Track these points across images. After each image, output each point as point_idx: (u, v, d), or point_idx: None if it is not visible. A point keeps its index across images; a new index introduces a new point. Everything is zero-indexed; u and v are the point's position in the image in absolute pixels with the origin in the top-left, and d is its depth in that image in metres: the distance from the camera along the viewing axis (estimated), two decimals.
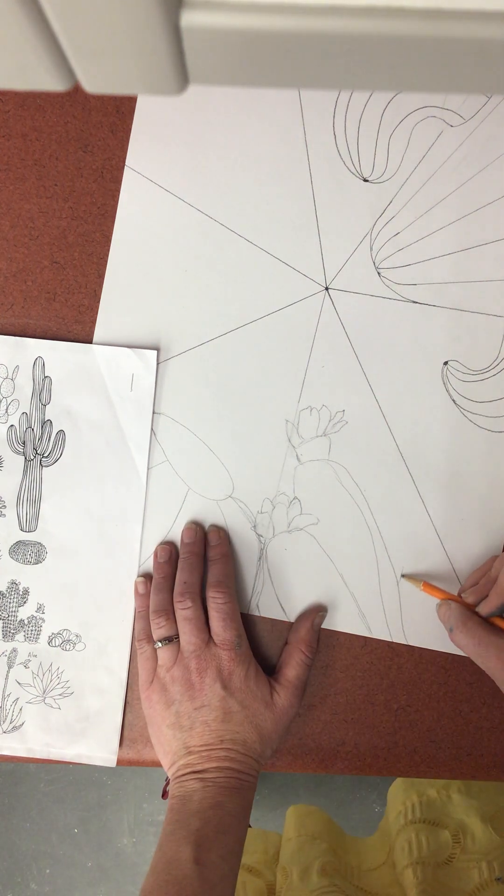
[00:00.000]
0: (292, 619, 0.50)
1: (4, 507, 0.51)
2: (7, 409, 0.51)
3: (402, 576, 0.49)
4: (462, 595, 0.47)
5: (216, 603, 0.47)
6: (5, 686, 0.51)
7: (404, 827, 0.58)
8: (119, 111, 0.51)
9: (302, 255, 0.50)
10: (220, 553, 0.49)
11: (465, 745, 0.49)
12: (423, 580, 0.48)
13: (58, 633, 0.51)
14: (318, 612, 0.50)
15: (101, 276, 0.51)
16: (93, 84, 0.20)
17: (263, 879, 0.62)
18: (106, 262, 0.51)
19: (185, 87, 0.20)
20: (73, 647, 0.51)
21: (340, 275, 0.50)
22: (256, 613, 0.51)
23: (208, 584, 0.48)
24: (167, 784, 0.47)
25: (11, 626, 0.51)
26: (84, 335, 0.51)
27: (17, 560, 0.51)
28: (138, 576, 0.51)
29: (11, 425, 0.51)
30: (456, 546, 0.50)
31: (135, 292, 0.51)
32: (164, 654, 0.47)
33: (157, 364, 0.51)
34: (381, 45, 0.17)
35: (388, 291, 0.50)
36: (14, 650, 0.51)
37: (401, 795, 0.61)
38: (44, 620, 0.51)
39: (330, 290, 0.50)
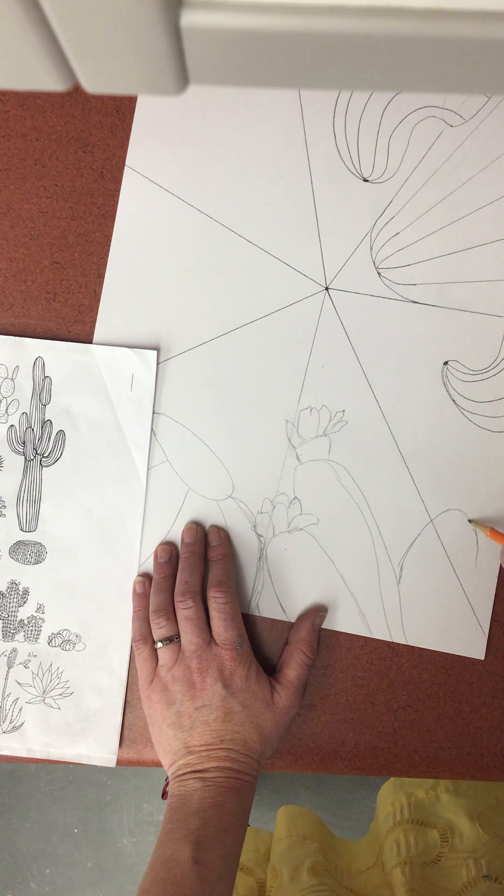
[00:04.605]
0: (292, 619, 0.50)
1: (4, 507, 0.51)
2: (7, 409, 0.51)
3: (470, 520, 0.49)
4: None
5: (217, 603, 0.47)
6: (5, 686, 0.51)
7: (393, 828, 0.58)
8: (119, 111, 0.51)
9: (302, 255, 0.50)
10: (221, 553, 0.49)
11: (465, 745, 0.49)
12: (491, 526, 0.48)
13: (58, 633, 0.51)
14: (318, 612, 0.50)
15: (101, 276, 0.51)
16: (93, 84, 0.20)
17: (254, 878, 0.62)
18: (106, 262, 0.51)
19: (185, 87, 0.20)
20: (73, 647, 0.51)
21: (340, 275, 0.50)
22: (257, 613, 0.51)
23: (209, 585, 0.48)
24: (167, 784, 0.47)
25: (11, 626, 0.51)
26: (84, 335, 0.51)
27: (17, 560, 0.51)
28: (138, 575, 0.51)
29: (11, 425, 0.51)
30: (456, 545, 0.50)
31: (135, 292, 0.51)
32: (164, 653, 0.47)
33: (157, 364, 0.51)
34: (381, 45, 0.17)
35: (388, 291, 0.50)
36: (14, 650, 0.51)
37: (390, 797, 0.61)
38: (44, 620, 0.51)
39: (330, 290, 0.50)
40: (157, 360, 0.51)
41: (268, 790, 1.26)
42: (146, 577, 0.50)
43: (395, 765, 0.50)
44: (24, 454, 0.51)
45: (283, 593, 0.50)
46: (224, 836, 0.42)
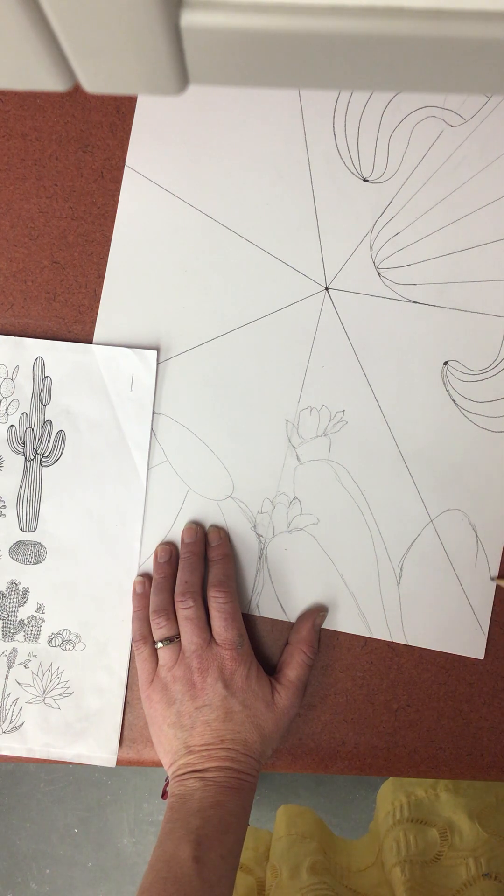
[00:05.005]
0: (292, 620, 0.50)
1: (4, 507, 0.51)
2: (7, 409, 0.51)
3: (492, 578, 0.49)
4: None
5: (218, 603, 0.47)
6: (5, 686, 0.51)
7: (392, 827, 0.58)
8: (119, 111, 0.51)
9: (302, 255, 0.50)
10: (221, 553, 0.49)
11: (465, 745, 0.49)
12: None
13: (58, 633, 0.51)
14: (318, 612, 0.50)
15: (101, 276, 0.51)
16: (93, 84, 0.20)
17: (254, 876, 0.62)
18: (106, 262, 0.51)
19: (185, 87, 0.20)
20: (73, 647, 0.51)
21: (340, 275, 0.50)
22: (257, 613, 0.51)
23: (209, 584, 0.48)
24: (167, 784, 0.47)
25: (11, 626, 0.51)
26: (84, 335, 0.51)
27: (17, 560, 0.51)
28: (138, 575, 0.51)
29: (11, 425, 0.51)
30: (456, 545, 0.50)
31: (135, 292, 0.51)
32: (165, 653, 0.47)
33: (157, 364, 0.51)
34: (381, 45, 0.17)
35: (388, 291, 0.50)
36: (14, 650, 0.51)
37: (389, 796, 0.61)
38: (44, 620, 0.51)
39: (330, 290, 0.50)
40: (157, 360, 0.51)
41: (268, 790, 1.26)
42: (146, 577, 0.50)
43: (395, 765, 0.50)
44: (24, 454, 0.51)
45: (283, 593, 0.50)
46: (224, 835, 0.42)
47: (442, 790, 0.59)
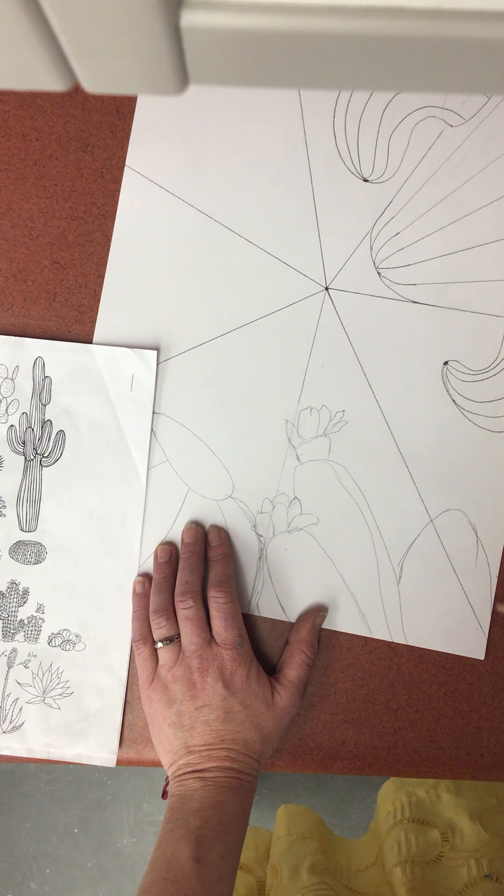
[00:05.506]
0: (292, 619, 0.50)
1: (4, 507, 0.51)
2: (7, 409, 0.51)
3: (496, 608, 0.49)
4: None
5: (218, 603, 0.47)
6: (5, 686, 0.51)
7: (393, 827, 0.58)
8: (119, 111, 0.51)
9: (302, 255, 0.50)
10: (221, 553, 0.49)
11: (465, 745, 0.49)
12: None
13: (58, 633, 0.51)
14: (318, 612, 0.50)
15: (101, 276, 0.51)
16: (93, 84, 0.20)
17: (254, 876, 0.62)
18: (106, 262, 0.51)
19: (185, 87, 0.20)
20: (73, 647, 0.51)
21: (340, 275, 0.50)
22: (257, 613, 0.51)
23: (209, 584, 0.48)
24: (167, 784, 0.47)
25: (11, 626, 0.51)
26: (84, 335, 0.51)
27: (17, 560, 0.51)
28: (138, 575, 0.51)
29: (11, 425, 0.51)
30: (456, 545, 0.50)
31: (135, 292, 0.51)
32: (165, 653, 0.47)
33: (157, 364, 0.51)
34: (381, 45, 0.17)
35: (388, 291, 0.50)
36: (14, 650, 0.51)
37: (390, 796, 0.61)
38: (44, 620, 0.51)
39: (330, 290, 0.50)
40: (157, 360, 0.51)
41: (268, 790, 1.26)
42: (146, 577, 0.50)
43: (395, 765, 0.50)
44: (24, 454, 0.51)
45: (283, 593, 0.50)
46: (225, 835, 0.42)
47: (443, 791, 0.59)
